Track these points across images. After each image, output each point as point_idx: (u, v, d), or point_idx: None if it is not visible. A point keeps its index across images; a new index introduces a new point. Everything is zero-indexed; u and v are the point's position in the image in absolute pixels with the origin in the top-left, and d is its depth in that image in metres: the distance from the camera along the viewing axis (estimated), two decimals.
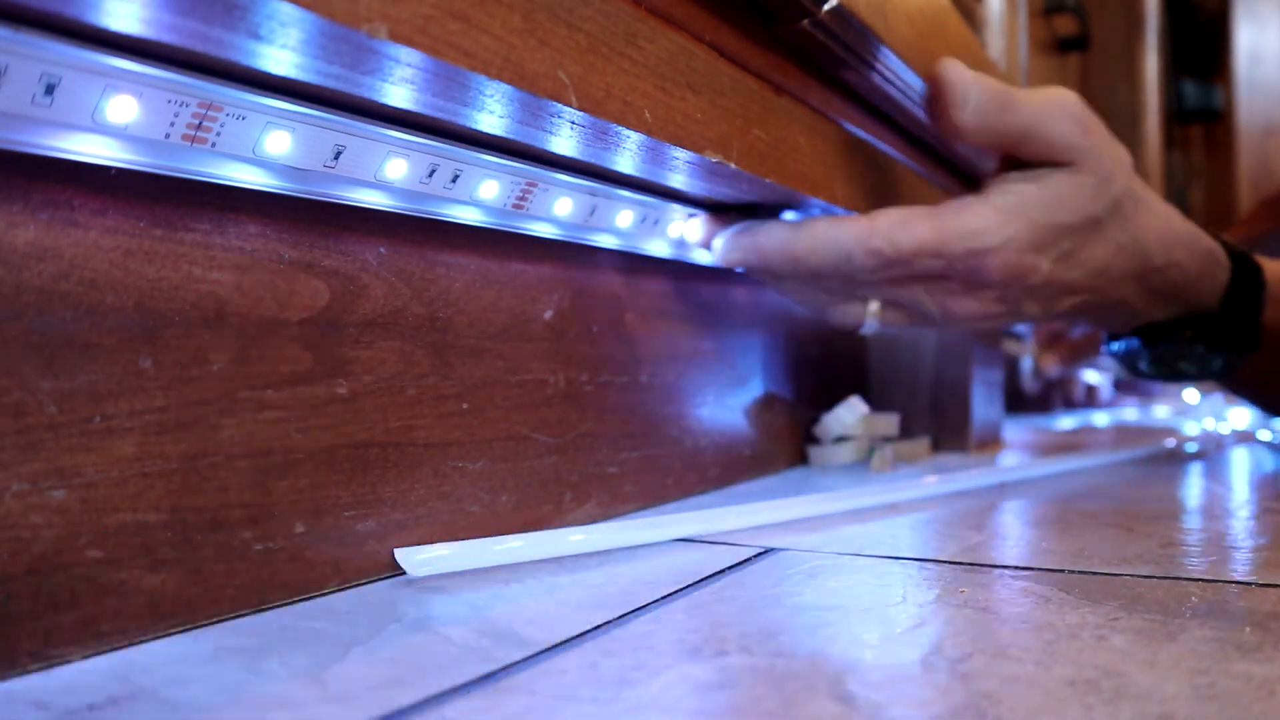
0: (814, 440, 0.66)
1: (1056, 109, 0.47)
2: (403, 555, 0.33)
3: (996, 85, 0.47)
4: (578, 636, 0.26)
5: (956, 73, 0.47)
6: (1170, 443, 0.81)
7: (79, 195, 0.25)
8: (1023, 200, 0.47)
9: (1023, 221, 0.47)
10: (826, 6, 0.42)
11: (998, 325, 0.56)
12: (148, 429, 0.26)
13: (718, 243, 0.48)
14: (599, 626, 0.27)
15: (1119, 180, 0.49)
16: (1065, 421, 1.12)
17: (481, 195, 0.36)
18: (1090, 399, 1.37)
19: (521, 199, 0.37)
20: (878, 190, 0.56)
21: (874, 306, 0.51)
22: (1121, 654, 0.24)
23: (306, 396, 0.31)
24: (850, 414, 0.64)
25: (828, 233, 0.46)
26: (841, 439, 0.65)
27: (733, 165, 0.40)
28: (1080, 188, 0.48)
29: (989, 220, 0.46)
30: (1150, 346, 0.59)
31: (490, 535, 0.36)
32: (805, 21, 0.42)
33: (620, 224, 0.43)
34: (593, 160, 0.37)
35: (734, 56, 0.41)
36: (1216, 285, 0.56)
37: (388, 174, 0.32)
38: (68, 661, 0.24)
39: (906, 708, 0.21)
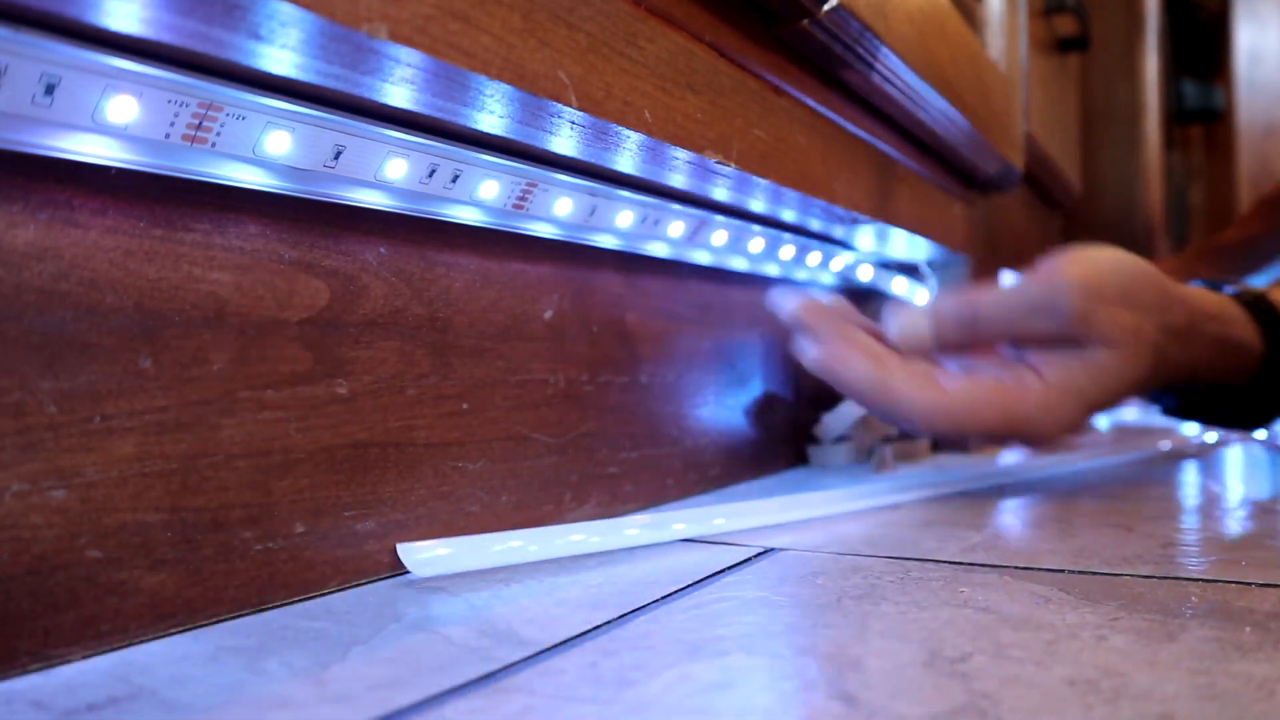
0: (814, 440, 0.66)
1: (1038, 305, 0.48)
2: (404, 551, 0.33)
3: (948, 308, 0.49)
4: (577, 636, 0.26)
5: (902, 320, 0.49)
6: (1169, 443, 0.81)
7: (79, 195, 0.25)
8: (1074, 379, 0.49)
9: (1077, 399, 0.49)
10: (826, 6, 0.42)
11: None
12: (148, 429, 0.26)
13: (810, 349, 0.49)
14: (599, 626, 0.27)
15: (1148, 330, 0.50)
16: None
17: (481, 195, 0.35)
18: None
19: (521, 199, 0.37)
20: (878, 190, 0.56)
21: None
22: (1121, 654, 0.24)
23: (306, 396, 0.31)
24: (850, 414, 0.64)
25: (902, 400, 0.48)
26: (841, 439, 0.65)
27: (733, 165, 0.40)
28: (1121, 359, 0.49)
29: (1050, 406, 0.48)
30: (1166, 404, 0.64)
31: (486, 535, 0.36)
32: (805, 21, 0.43)
33: (620, 224, 0.43)
34: (593, 160, 0.37)
35: (734, 56, 0.41)
36: (1245, 372, 0.58)
37: (388, 174, 0.32)
38: (68, 661, 0.24)
39: (906, 707, 0.21)
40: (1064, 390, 0.49)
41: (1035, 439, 0.49)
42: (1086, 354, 0.49)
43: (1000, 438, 0.50)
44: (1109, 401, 0.50)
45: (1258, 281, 0.96)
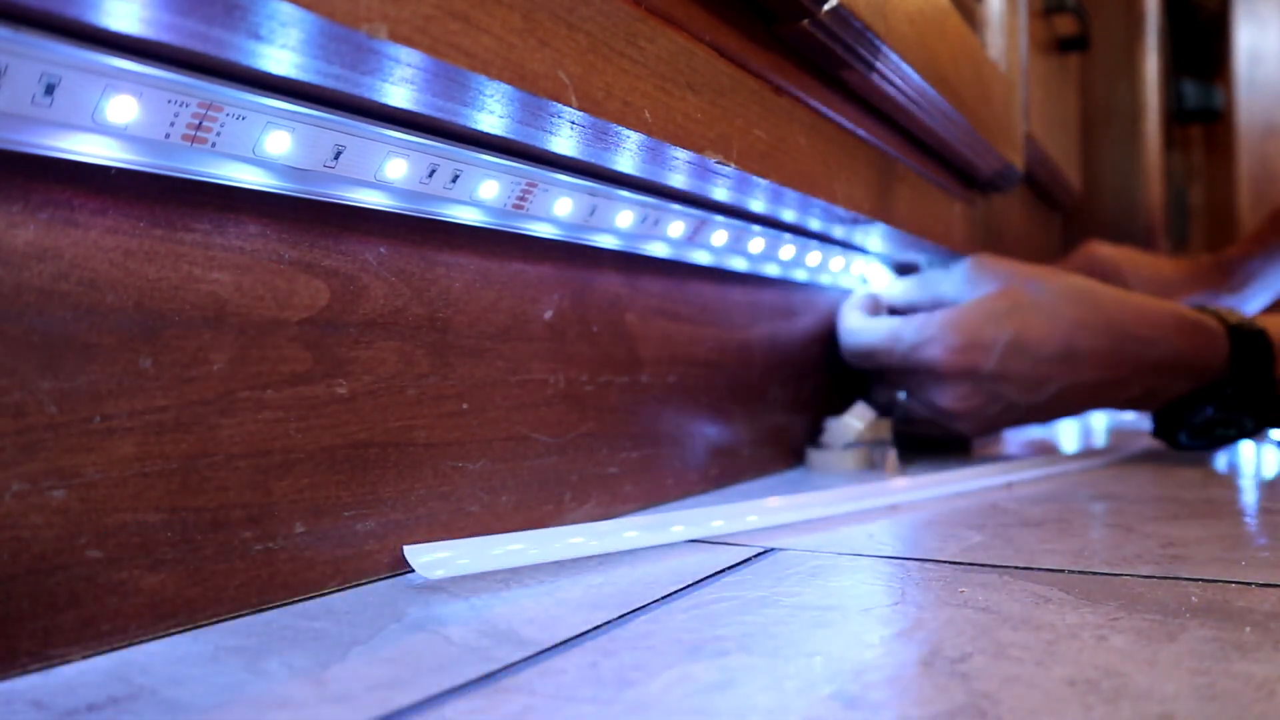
0: (814, 442, 0.65)
1: (951, 272, 0.67)
2: (411, 553, 0.33)
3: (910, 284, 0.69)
4: (578, 636, 0.26)
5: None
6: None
7: (79, 195, 0.25)
8: (948, 311, 0.62)
9: (942, 322, 0.61)
10: (826, 6, 0.42)
11: (1000, 421, 0.66)
12: (148, 429, 0.26)
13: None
14: (599, 626, 0.27)
15: (1007, 270, 0.64)
16: (1065, 421, 1.12)
17: (481, 195, 0.35)
18: None
19: (521, 199, 0.37)
20: (878, 190, 0.56)
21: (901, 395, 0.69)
22: (1121, 654, 0.24)
23: (306, 396, 0.31)
24: (853, 417, 0.64)
25: (845, 320, 0.67)
26: (843, 441, 0.65)
27: (733, 165, 0.40)
28: (991, 298, 0.62)
29: (920, 329, 0.62)
30: (1183, 419, 0.66)
31: (490, 535, 0.36)
32: (805, 21, 0.42)
33: (620, 224, 0.43)
34: (593, 160, 0.37)
35: (734, 56, 0.41)
36: (1217, 354, 0.62)
37: (388, 174, 0.32)
38: (68, 661, 0.24)
39: (906, 708, 0.21)
40: (943, 317, 0.62)
41: (917, 351, 0.62)
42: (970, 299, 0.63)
43: (887, 359, 0.63)
44: (976, 324, 0.60)
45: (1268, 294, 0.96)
